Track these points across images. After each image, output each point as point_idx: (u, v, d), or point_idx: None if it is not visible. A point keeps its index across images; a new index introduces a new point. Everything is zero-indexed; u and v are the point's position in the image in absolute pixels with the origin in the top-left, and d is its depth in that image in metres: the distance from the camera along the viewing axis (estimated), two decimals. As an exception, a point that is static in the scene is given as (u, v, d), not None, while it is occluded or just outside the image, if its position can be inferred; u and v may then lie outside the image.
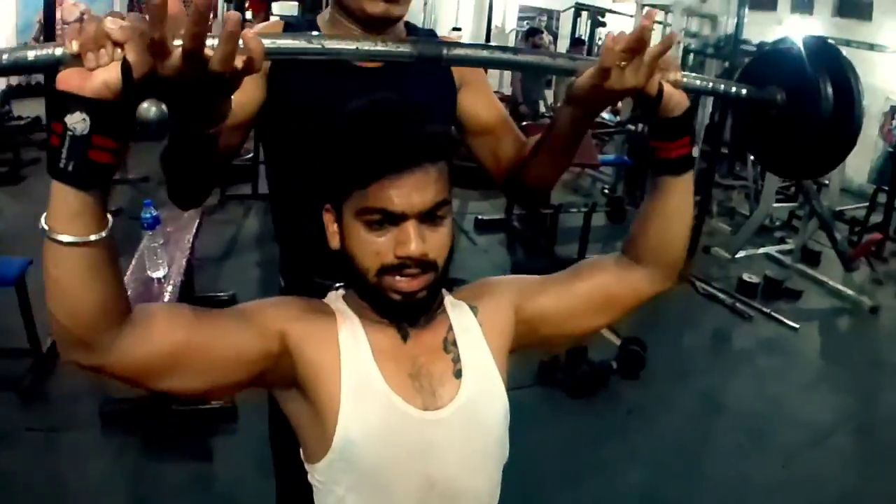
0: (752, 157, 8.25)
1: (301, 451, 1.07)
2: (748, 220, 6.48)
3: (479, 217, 6.35)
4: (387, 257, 0.94)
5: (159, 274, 2.82)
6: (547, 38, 12.10)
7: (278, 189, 1.47)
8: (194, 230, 3.48)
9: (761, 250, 6.43)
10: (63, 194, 0.76)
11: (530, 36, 8.83)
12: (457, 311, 1.09)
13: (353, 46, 0.94)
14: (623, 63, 0.94)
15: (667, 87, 0.99)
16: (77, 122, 0.74)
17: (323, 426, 0.97)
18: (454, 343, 1.05)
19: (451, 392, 1.02)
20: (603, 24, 10.68)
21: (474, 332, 1.08)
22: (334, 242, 1.01)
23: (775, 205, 6.58)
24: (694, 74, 1.09)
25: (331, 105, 1.06)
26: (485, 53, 1.04)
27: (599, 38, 10.97)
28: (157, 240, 2.91)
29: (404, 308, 0.99)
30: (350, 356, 0.98)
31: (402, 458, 0.98)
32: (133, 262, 2.95)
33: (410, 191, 0.92)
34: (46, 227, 0.77)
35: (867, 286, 6.16)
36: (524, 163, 1.36)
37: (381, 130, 0.93)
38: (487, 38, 9.74)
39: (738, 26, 5.93)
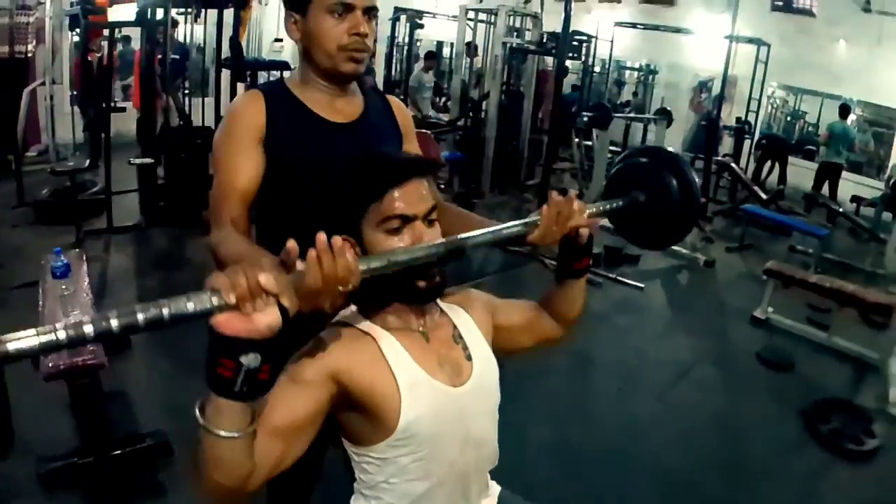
0: (576, 140, 9.24)
1: (344, 437, 1.35)
2: (582, 198, 7.25)
3: None
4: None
5: (72, 322, 2.71)
6: None
7: (274, 228, 1.63)
8: (86, 274, 3.21)
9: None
10: (232, 408, 1.00)
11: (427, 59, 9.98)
12: (454, 313, 1.46)
13: (416, 255, 1.22)
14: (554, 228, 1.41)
15: (581, 229, 1.44)
16: (251, 360, 0.94)
17: (383, 419, 1.26)
18: (460, 336, 1.42)
19: (468, 371, 1.39)
20: (420, 27, 11.41)
21: (472, 327, 1.46)
22: None
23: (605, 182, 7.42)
24: (591, 206, 1.53)
25: (321, 152, 1.56)
26: (489, 237, 1.38)
27: (418, 40, 11.71)
28: (69, 288, 2.84)
29: (428, 293, 1.32)
30: (397, 363, 1.28)
31: (447, 424, 1.33)
32: (43, 312, 2.79)
33: (414, 198, 1.26)
34: (212, 427, 1.00)
35: (699, 244, 7.20)
36: None
37: (382, 159, 1.31)
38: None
39: (566, 21, 6.57)
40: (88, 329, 0.85)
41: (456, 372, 1.37)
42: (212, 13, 6.49)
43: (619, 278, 6.05)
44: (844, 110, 10.38)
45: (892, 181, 9.69)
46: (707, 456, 3.56)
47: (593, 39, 11.50)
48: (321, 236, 1.04)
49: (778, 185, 10.31)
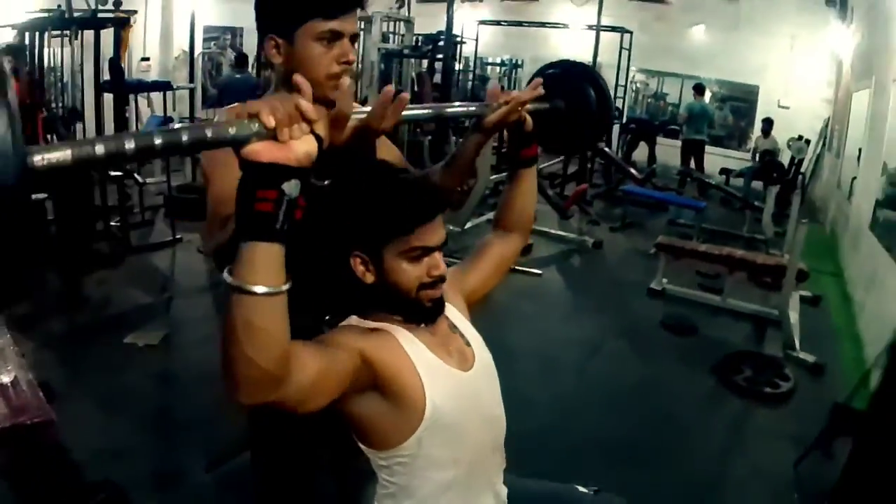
0: (453, 138, 9.54)
1: (370, 445, 1.43)
2: (471, 193, 7.54)
3: None
4: (424, 279, 1.41)
5: (7, 378, 2.58)
6: (231, 55, 12.44)
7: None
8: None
9: (484, 218, 7.53)
10: (269, 252, 0.98)
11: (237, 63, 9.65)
12: None
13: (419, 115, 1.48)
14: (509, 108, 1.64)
15: (527, 116, 1.70)
16: (292, 187, 0.95)
17: (409, 409, 1.37)
18: (454, 326, 1.58)
19: (471, 356, 1.55)
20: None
21: (457, 316, 1.62)
22: (368, 279, 1.41)
23: (492, 177, 7.75)
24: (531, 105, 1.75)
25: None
26: (461, 110, 1.71)
27: None
28: None
29: (434, 311, 1.48)
30: (415, 354, 1.41)
31: (466, 407, 1.46)
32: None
33: (437, 230, 1.41)
34: (247, 284, 0.98)
35: (585, 227, 7.69)
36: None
37: (411, 192, 1.41)
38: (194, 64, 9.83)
39: (449, 24, 6.84)
40: (130, 144, 0.84)
41: (462, 358, 1.52)
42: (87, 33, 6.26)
43: (517, 268, 6.33)
44: (699, 89, 11.33)
45: (757, 153, 10.72)
46: (636, 418, 3.83)
47: (458, 38, 11.95)
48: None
49: (649, 165, 11.11)
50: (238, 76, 8.94)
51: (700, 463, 3.44)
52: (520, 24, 12.39)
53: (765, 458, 3.49)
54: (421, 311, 1.46)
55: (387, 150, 1.88)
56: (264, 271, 0.99)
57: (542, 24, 12.26)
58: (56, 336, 4.30)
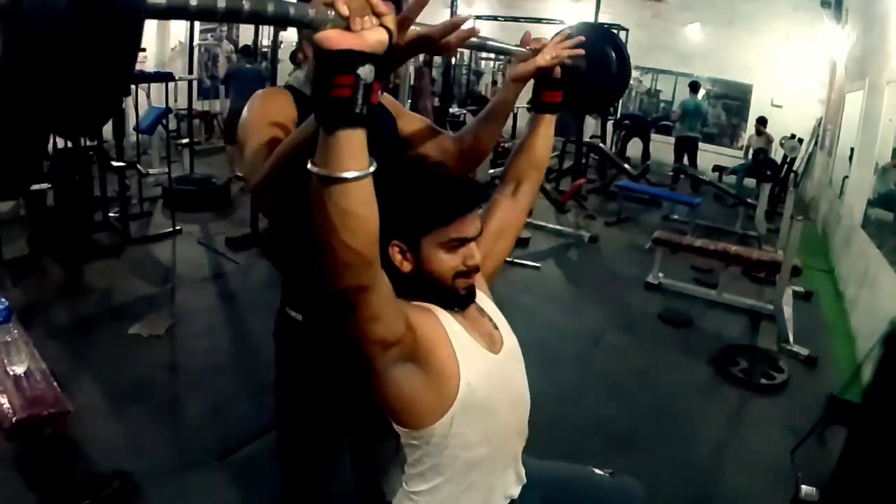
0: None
1: (404, 425, 1.47)
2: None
3: (228, 236, 6.29)
4: (459, 268, 1.49)
5: (21, 369, 2.65)
6: (228, 46, 12.50)
7: (291, 222, 1.69)
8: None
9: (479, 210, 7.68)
10: (352, 138, 1.03)
11: (242, 53, 9.81)
12: None
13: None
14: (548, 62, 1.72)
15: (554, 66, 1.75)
16: (367, 72, 0.98)
17: (444, 385, 1.43)
18: (482, 309, 1.65)
19: (499, 339, 1.62)
20: (284, 28, 11.48)
21: (483, 298, 1.69)
22: (405, 268, 1.48)
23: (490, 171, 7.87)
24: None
25: None
26: (503, 47, 1.69)
27: (281, 42, 11.79)
28: (11, 333, 2.74)
29: (468, 298, 1.55)
30: (452, 332, 1.48)
31: (497, 388, 1.54)
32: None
33: (474, 222, 1.49)
34: (335, 171, 1.05)
35: (582, 222, 7.86)
36: (474, 138, 1.87)
37: (452, 185, 1.49)
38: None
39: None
40: (221, 4, 0.88)
41: (491, 341, 1.59)
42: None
43: (516, 261, 6.48)
44: (694, 86, 11.49)
45: (751, 151, 10.91)
46: (636, 407, 3.99)
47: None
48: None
49: (643, 161, 11.27)
50: (248, 66, 9.03)
51: (699, 449, 3.60)
52: (516, 19, 12.46)
53: (762, 446, 3.66)
54: (456, 299, 1.53)
55: (418, 120, 1.99)
56: (350, 156, 1.05)
57: (539, 20, 12.33)
58: (59, 326, 4.30)
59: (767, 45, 12.39)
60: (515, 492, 1.70)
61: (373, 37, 1.00)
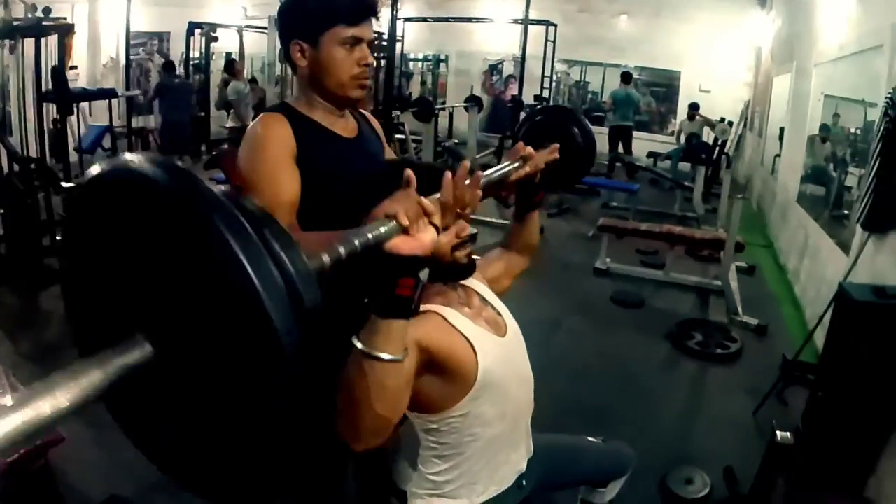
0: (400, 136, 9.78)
1: (420, 411, 1.59)
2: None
3: None
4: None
5: (6, 401, 2.56)
6: (159, 60, 12.24)
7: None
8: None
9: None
10: (402, 327, 1.20)
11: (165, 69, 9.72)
12: (468, 282, 1.77)
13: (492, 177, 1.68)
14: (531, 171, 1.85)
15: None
16: (425, 274, 1.17)
17: (464, 375, 1.54)
18: (484, 298, 1.77)
19: (503, 324, 1.75)
20: (215, 40, 11.51)
21: (485, 290, 1.81)
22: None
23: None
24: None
25: (342, 165, 1.81)
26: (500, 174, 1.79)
27: (213, 53, 11.81)
28: None
29: (470, 267, 1.65)
30: (463, 327, 1.58)
31: (507, 367, 1.67)
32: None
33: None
34: (379, 353, 1.19)
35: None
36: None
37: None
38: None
39: (392, 24, 7.02)
40: (326, 259, 1.04)
41: (496, 326, 1.71)
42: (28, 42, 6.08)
43: (467, 256, 6.60)
44: (626, 77, 11.83)
45: (683, 136, 11.30)
46: (603, 384, 4.15)
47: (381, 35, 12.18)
48: (449, 175, 1.34)
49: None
50: (176, 80, 8.95)
51: (667, 418, 3.78)
52: (446, 19, 12.65)
53: (724, 410, 3.87)
54: (459, 269, 1.63)
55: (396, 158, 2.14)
56: (395, 342, 1.21)
57: (468, 20, 12.56)
58: (25, 355, 4.17)
59: (694, 33, 12.86)
60: (524, 465, 1.84)
61: (427, 238, 1.18)
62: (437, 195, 1.31)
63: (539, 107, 2.37)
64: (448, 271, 1.62)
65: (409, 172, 1.29)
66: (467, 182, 1.36)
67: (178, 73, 9.85)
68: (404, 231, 1.16)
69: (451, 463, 1.66)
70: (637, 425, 3.63)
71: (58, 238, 5.84)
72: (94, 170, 0.89)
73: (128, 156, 0.85)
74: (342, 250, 1.05)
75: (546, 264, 6.85)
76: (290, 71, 10.00)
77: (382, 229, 1.13)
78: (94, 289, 0.90)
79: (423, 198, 1.22)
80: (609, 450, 2.20)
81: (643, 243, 6.75)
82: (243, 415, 0.83)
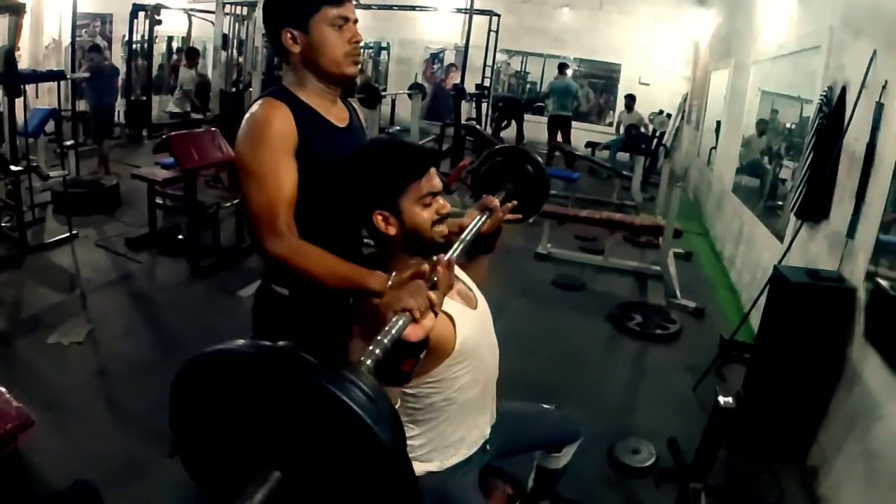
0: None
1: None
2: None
3: (128, 237, 6.08)
4: (434, 217, 1.70)
5: None
6: (102, 43, 11.99)
7: (299, 223, 1.88)
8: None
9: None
10: (395, 392, 1.39)
11: (92, 51, 9.47)
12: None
13: (463, 241, 1.80)
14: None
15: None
16: (423, 353, 1.37)
17: (443, 344, 1.66)
18: (456, 276, 1.78)
19: (474, 297, 1.91)
20: (159, 23, 11.34)
21: (458, 269, 1.83)
22: (392, 231, 1.69)
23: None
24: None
25: (336, 154, 1.78)
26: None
27: (156, 36, 11.60)
28: None
29: (447, 244, 1.73)
30: (447, 304, 1.65)
31: (480, 337, 1.82)
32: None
33: (436, 177, 1.72)
34: None
35: (468, 201, 8.14)
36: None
37: (415, 149, 1.77)
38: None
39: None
40: (371, 364, 1.17)
41: (468, 300, 1.86)
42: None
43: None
44: (562, 68, 12.07)
45: (623, 127, 11.59)
46: (548, 361, 4.28)
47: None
48: (442, 261, 1.49)
49: (518, 141, 11.74)
50: (106, 63, 8.85)
51: (611, 393, 3.95)
52: (390, 7, 12.68)
53: (665, 386, 4.07)
54: (436, 245, 1.73)
55: None
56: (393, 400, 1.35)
57: (412, 8, 12.63)
58: None
59: (635, 27, 13.27)
60: (489, 430, 1.99)
61: (428, 325, 1.35)
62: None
63: (497, 147, 2.49)
64: (427, 247, 1.72)
65: (425, 267, 1.45)
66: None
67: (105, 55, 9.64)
68: (414, 321, 1.32)
69: (426, 427, 1.78)
70: (583, 400, 3.76)
71: (4, 223, 5.74)
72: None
73: (240, 342, 1.06)
74: (379, 353, 1.21)
75: (500, 258, 7.00)
76: (227, 55, 10.03)
77: (401, 323, 1.29)
78: (217, 444, 1.12)
79: (432, 293, 1.39)
80: (562, 416, 2.36)
81: (582, 230, 6.95)
82: None
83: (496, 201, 2.01)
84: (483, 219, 1.93)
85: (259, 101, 1.88)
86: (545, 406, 2.35)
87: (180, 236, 5.90)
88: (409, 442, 1.71)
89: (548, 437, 2.31)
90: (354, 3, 1.96)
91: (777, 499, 2.95)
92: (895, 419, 2.56)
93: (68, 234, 5.96)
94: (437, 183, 1.72)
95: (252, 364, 1.03)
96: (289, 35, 1.84)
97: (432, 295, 1.37)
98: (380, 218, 1.69)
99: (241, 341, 1.06)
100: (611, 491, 3.06)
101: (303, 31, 1.84)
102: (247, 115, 1.85)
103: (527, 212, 2.35)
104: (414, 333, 1.31)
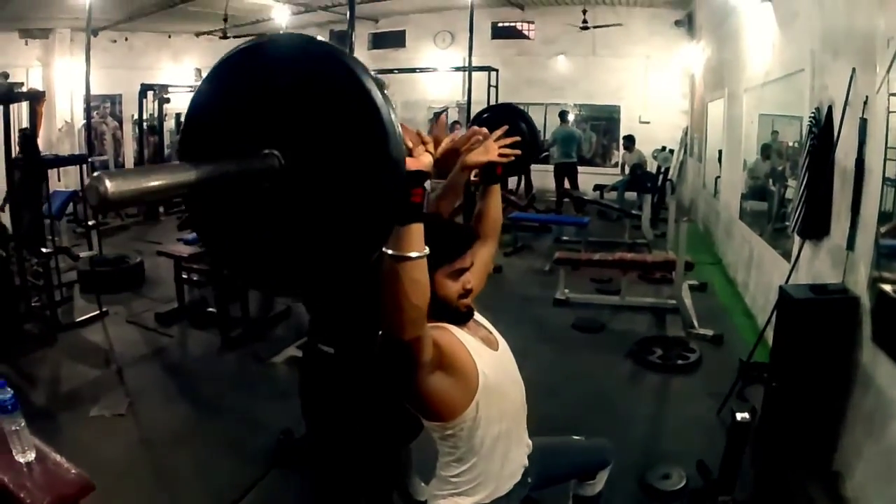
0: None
1: (437, 420, 1.92)
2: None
3: (157, 312, 6.25)
4: (461, 291, 1.92)
5: (30, 457, 2.63)
6: (112, 123, 12.59)
7: None
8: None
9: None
10: (420, 228, 1.53)
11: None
12: None
13: None
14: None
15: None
16: (427, 185, 1.58)
17: (468, 380, 1.87)
18: (477, 321, 2.09)
19: (495, 340, 2.08)
20: (167, 101, 11.81)
21: (478, 316, 2.12)
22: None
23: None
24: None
25: None
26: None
27: (165, 114, 12.10)
28: (18, 422, 2.70)
29: (469, 314, 1.99)
30: (464, 339, 1.91)
31: (502, 373, 2.00)
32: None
33: (470, 256, 1.95)
34: (407, 252, 1.51)
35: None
36: (436, 209, 2.31)
37: (455, 232, 1.99)
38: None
39: None
40: None
41: (490, 342, 2.03)
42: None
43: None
44: (563, 115, 12.38)
45: (628, 167, 11.82)
46: (572, 403, 4.41)
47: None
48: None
49: (526, 192, 11.99)
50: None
51: (637, 426, 4.07)
52: (391, 71, 13.10)
53: (690, 413, 4.20)
54: (461, 315, 1.97)
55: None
56: (418, 242, 1.54)
57: (413, 70, 13.06)
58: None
59: (630, 68, 13.67)
60: (526, 460, 2.17)
61: (426, 159, 1.56)
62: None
63: (485, 107, 2.64)
64: (451, 314, 1.95)
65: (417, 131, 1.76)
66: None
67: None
68: (409, 153, 1.53)
69: (469, 464, 1.96)
70: (607, 435, 3.82)
71: (34, 303, 5.97)
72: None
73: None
74: None
75: (508, 299, 7.15)
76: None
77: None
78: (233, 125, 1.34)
79: (420, 130, 1.68)
80: (591, 443, 2.57)
81: (597, 272, 7.12)
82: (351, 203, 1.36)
83: (484, 129, 2.21)
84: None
85: None
86: (575, 437, 2.56)
87: (210, 309, 6.10)
88: (455, 479, 1.97)
89: (581, 465, 2.50)
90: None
91: (805, 506, 3.06)
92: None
93: (98, 311, 6.15)
94: (469, 261, 1.94)
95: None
96: None
97: (423, 134, 1.67)
98: None
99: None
100: (645, 516, 3.17)
101: None
102: None
103: (522, 163, 2.50)
104: (413, 164, 1.51)
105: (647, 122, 13.48)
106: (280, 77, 1.35)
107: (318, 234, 1.47)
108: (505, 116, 2.63)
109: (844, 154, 3.61)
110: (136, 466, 3.74)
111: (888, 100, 3.11)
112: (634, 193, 10.92)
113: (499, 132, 2.25)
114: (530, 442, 2.21)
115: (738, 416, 2.53)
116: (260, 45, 1.47)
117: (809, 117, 4.14)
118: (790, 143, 5.80)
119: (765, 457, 3.32)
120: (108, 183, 1.07)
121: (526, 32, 15.01)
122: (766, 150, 6.54)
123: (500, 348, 2.08)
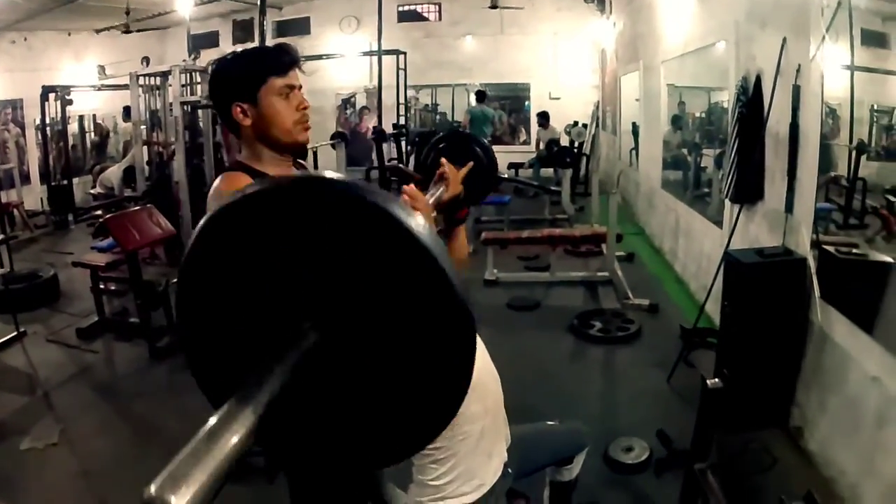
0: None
1: None
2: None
3: (78, 328, 5.77)
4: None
5: None
6: (14, 130, 11.83)
7: None
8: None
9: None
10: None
11: None
12: None
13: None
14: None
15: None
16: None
17: None
18: None
19: None
20: (70, 103, 11.31)
21: None
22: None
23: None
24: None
25: None
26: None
27: (69, 117, 11.53)
28: None
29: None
30: None
31: (481, 368, 1.84)
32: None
33: (297, 77, 1.91)
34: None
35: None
36: None
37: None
38: None
39: None
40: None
41: None
42: None
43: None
44: (481, 95, 12.37)
45: (543, 144, 11.94)
46: (519, 382, 4.29)
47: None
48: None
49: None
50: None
51: (589, 400, 4.11)
52: (304, 59, 12.83)
53: (640, 383, 4.25)
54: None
55: None
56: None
57: (319, 57, 12.80)
58: None
59: (539, 45, 13.78)
60: (506, 455, 2.10)
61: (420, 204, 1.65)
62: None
63: (440, 135, 2.53)
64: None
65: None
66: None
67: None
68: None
69: (449, 464, 1.89)
70: (560, 412, 3.83)
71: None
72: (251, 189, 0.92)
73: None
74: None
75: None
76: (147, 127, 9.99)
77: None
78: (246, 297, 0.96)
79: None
80: (567, 428, 2.54)
81: (523, 250, 7.15)
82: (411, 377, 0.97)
83: (450, 165, 2.07)
84: (441, 189, 2.01)
85: (219, 177, 1.95)
86: (549, 423, 2.51)
87: (133, 319, 5.80)
88: (435, 482, 1.88)
89: (559, 451, 2.45)
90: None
91: (771, 464, 3.13)
92: (867, 362, 2.77)
93: (16, 332, 5.73)
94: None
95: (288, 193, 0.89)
96: (238, 109, 1.91)
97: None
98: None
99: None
100: (616, 491, 3.19)
101: (251, 104, 1.92)
102: (210, 192, 1.92)
103: (480, 194, 2.45)
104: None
105: (558, 98, 13.62)
106: (310, 231, 0.90)
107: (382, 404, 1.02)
108: (460, 143, 2.53)
109: (777, 120, 3.70)
110: (81, 502, 3.51)
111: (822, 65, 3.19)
112: (550, 170, 11.02)
113: (465, 170, 2.11)
114: (510, 435, 2.16)
115: (709, 382, 2.54)
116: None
117: (736, 86, 4.22)
118: (697, 114, 5.94)
119: (723, 421, 3.37)
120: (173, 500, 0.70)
121: (431, 15, 14.98)
122: (676, 121, 6.68)
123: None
